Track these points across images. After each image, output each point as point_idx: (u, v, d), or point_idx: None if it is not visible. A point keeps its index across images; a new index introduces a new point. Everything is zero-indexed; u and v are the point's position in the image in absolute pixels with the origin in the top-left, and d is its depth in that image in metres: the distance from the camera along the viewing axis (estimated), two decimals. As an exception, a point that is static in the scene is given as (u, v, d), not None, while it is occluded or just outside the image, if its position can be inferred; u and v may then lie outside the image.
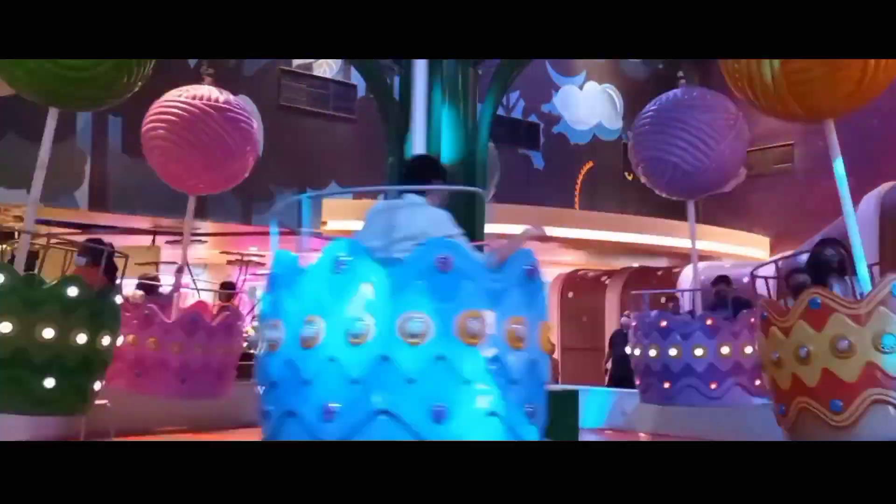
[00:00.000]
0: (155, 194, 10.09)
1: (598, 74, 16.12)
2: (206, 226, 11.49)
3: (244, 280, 11.92)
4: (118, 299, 4.45)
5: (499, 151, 12.96)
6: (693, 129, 5.71)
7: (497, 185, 7.53)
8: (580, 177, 15.53)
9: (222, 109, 5.53)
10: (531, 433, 2.38)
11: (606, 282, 12.16)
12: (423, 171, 2.85)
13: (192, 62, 10.70)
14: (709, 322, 5.78)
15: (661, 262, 13.50)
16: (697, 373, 5.62)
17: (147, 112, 5.67)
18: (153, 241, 11.70)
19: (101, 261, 4.48)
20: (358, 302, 2.29)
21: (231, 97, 5.86)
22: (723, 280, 6.35)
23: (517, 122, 14.82)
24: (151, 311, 5.53)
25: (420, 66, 3.39)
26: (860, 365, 3.66)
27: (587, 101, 15.89)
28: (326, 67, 12.47)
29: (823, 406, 3.79)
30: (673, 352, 5.72)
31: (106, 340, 4.20)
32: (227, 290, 7.42)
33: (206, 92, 5.63)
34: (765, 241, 14.69)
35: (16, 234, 10.03)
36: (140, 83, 4.35)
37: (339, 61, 12.08)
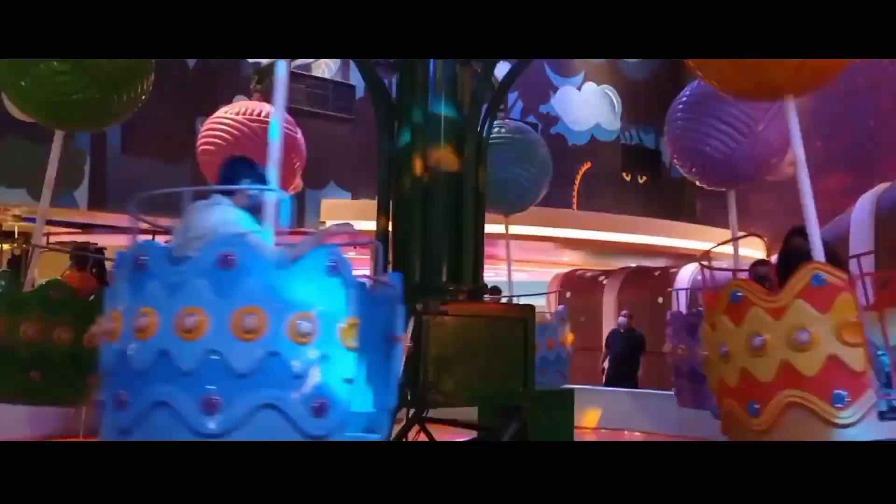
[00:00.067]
0: (155, 196, 10.13)
1: (596, 75, 16.16)
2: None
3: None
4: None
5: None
6: (724, 115, 5.30)
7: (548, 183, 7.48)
8: (578, 177, 15.56)
9: (262, 123, 5.82)
10: (317, 427, 2.41)
11: (604, 282, 12.19)
12: (233, 172, 2.97)
13: (190, 63, 10.73)
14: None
15: (659, 263, 13.55)
16: None
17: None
18: (152, 239, 11.70)
19: (85, 266, 4.84)
20: (146, 298, 2.44)
21: (269, 108, 6.12)
22: (762, 264, 5.84)
23: (516, 122, 14.86)
24: None
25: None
26: (776, 364, 3.20)
27: (585, 102, 15.92)
28: (325, 68, 12.50)
29: (742, 408, 3.43)
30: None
31: None
32: None
33: (251, 107, 5.98)
34: (761, 242, 14.73)
35: (15, 233, 10.07)
36: (138, 102, 4.54)
37: (338, 61, 12.11)
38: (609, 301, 11.70)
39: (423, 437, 4.51)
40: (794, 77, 3.60)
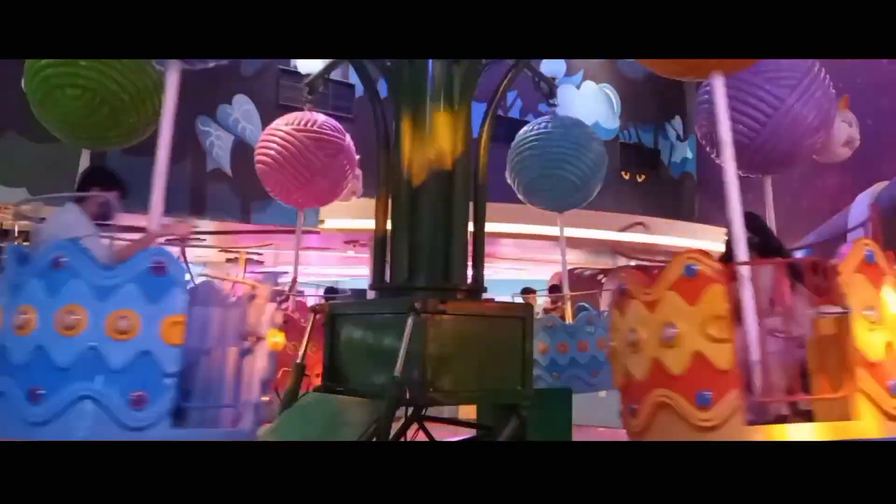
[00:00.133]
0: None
1: (595, 74, 16.17)
2: (205, 224, 11.54)
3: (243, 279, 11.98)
4: None
5: (502, 150, 12.97)
6: (744, 95, 4.74)
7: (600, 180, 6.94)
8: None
9: (308, 132, 6.15)
10: (135, 419, 2.67)
11: (603, 280, 12.22)
12: (84, 181, 3.44)
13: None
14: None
15: (658, 261, 13.57)
16: None
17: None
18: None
19: None
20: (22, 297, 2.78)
21: (321, 118, 6.38)
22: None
23: (515, 122, 14.87)
24: (289, 317, 5.87)
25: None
26: (648, 361, 2.93)
27: (584, 101, 15.93)
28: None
29: (625, 408, 3.28)
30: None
31: None
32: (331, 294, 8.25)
33: (303, 118, 6.30)
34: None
35: (15, 232, 10.07)
36: (152, 117, 4.53)
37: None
38: (608, 300, 11.72)
39: (421, 436, 4.54)
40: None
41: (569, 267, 13.85)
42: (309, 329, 4.74)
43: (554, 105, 6.77)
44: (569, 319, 7.08)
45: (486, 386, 4.11)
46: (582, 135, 6.83)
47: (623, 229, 11.54)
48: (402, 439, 4.33)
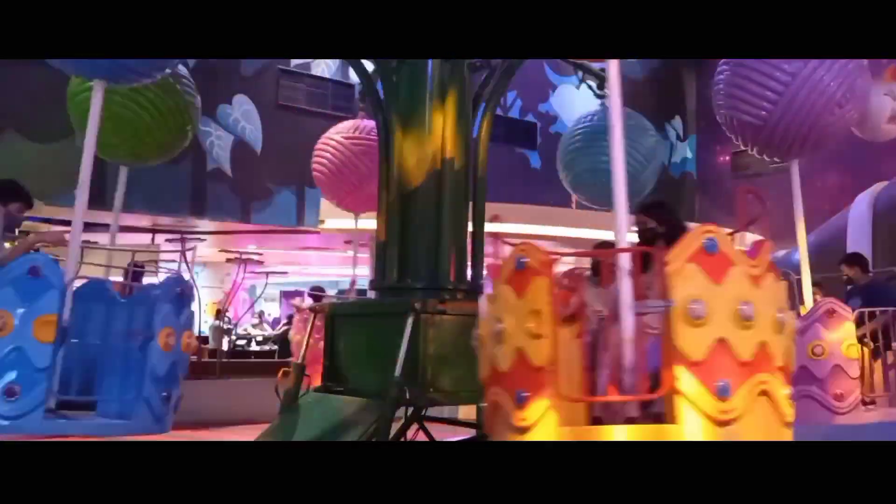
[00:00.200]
0: (153, 193, 10.14)
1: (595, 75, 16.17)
2: (205, 224, 11.55)
3: (243, 278, 11.99)
4: None
5: (501, 149, 12.96)
6: (752, 72, 4.43)
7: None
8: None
9: (355, 139, 6.25)
10: (8, 409, 3.03)
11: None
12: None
13: (189, 63, 10.74)
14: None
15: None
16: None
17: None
18: (153, 238, 11.76)
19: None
20: None
21: (370, 125, 6.32)
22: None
23: (514, 122, 14.89)
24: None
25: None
26: (486, 357, 2.69)
27: (584, 101, 15.92)
28: (325, 67, 12.52)
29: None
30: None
31: None
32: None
33: (351, 125, 6.45)
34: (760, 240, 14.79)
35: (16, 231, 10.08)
36: (179, 134, 4.90)
37: (337, 61, 12.13)
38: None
39: (421, 436, 4.54)
40: None
41: (568, 267, 13.86)
42: (309, 329, 4.75)
43: (603, 96, 6.63)
44: None
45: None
46: (632, 127, 6.20)
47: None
48: (402, 439, 4.34)
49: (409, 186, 4.55)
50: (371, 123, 6.70)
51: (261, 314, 17.04)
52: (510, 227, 11.63)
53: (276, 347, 13.01)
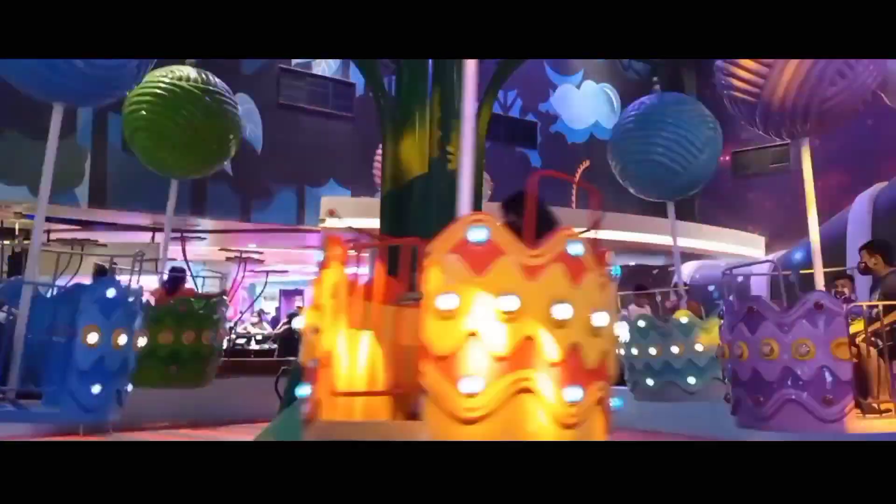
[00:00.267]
0: (154, 191, 10.15)
1: (595, 74, 16.18)
2: (206, 223, 11.55)
3: (243, 276, 11.98)
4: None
5: (501, 149, 12.94)
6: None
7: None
8: (577, 175, 15.60)
9: None
10: None
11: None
12: None
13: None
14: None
15: (658, 261, 13.59)
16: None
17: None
18: (153, 237, 11.76)
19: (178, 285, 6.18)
20: None
21: None
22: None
23: (515, 121, 14.89)
24: None
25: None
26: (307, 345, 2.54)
27: (584, 100, 15.95)
28: (325, 66, 12.52)
29: None
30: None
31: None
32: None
33: None
34: (760, 240, 14.78)
35: (16, 230, 10.10)
36: (219, 147, 5.28)
37: (338, 60, 12.14)
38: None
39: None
40: None
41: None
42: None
43: (656, 85, 6.46)
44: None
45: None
46: (684, 116, 5.72)
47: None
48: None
49: (405, 185, 4.55)
50: None
51: (260, 313, 17.03)
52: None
53: (275, 346, 13.01)
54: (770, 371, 4.18)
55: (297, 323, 2.86)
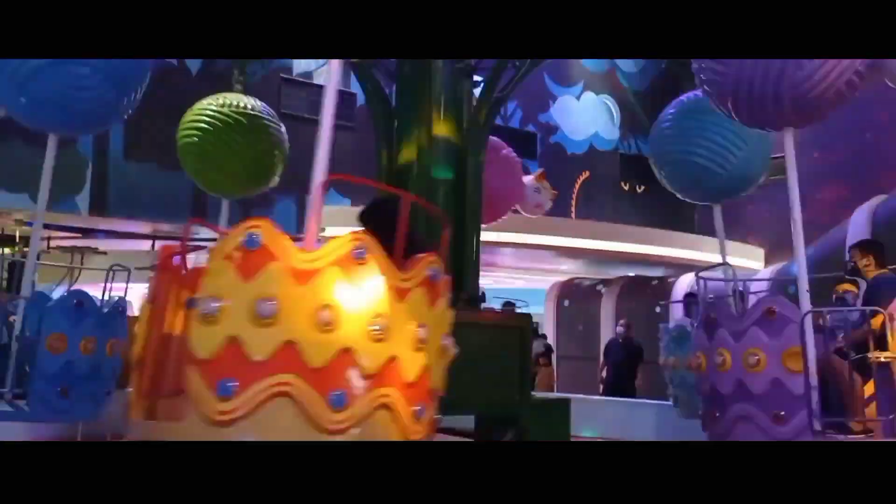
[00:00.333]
0: (154, 199, 10.17)
1: (594, 85, 16.25)
2: (206, 231, 11.56)
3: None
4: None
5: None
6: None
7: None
8: (577, 186, 15.64)
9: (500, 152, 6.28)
10: None
11: (602, 290, 12.25)
12: None
13: (192, 70, 10.81)
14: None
15: (657, 272, 13.60)
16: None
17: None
18: (153, 245, 11.78)
19: None
20: None
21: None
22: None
23: (514, 132, 14.94)
24: None
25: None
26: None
27: (584, 112, 16.01)
28: (327, 76, 12.60)
29: None
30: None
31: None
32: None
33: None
34: (759, 251, 14.80)
35: (17, 237, 10.12)
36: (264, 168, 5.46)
37: (339, 70, 12.18)
38: (607, 310, 11.75)
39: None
40: None
41: (567, 277, 13.89)
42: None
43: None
44: None
45: (485, 396, 4.12)
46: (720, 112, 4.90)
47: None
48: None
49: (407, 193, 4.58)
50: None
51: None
52: (510, 235, 11.65)
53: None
54: (723, 383, 3.84)
55: None
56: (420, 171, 4.59)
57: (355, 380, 2.16)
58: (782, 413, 3.60)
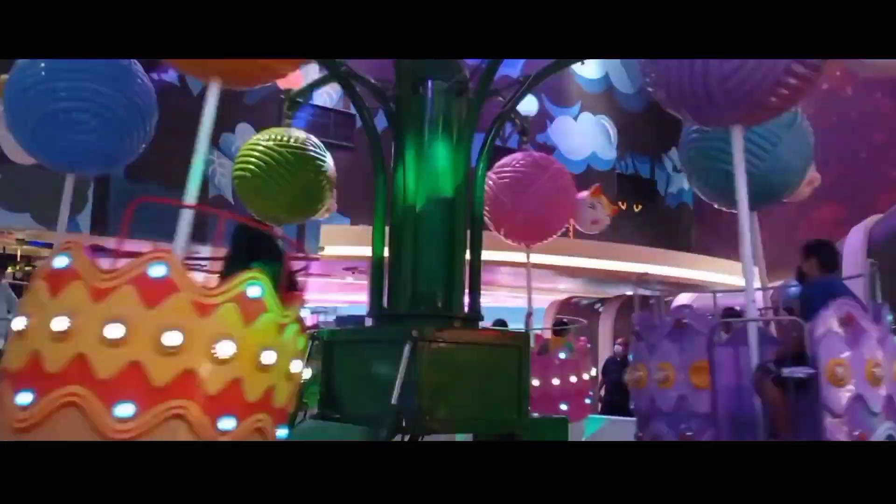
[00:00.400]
0: (155, 219, 10.20)
1: (592, 106, 16.40)
2: (206, 250, 11.60)
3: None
4: None
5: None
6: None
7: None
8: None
9: (498, 172, 6.44)
10: None
11: (600, 309, 12.27)
12: None
13: (194, 91, 10.91)
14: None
15: (655, 291, 13.61)
16: None
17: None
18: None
19: None
20: None
21: (516, 157, 6.65)
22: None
23: (512, 152, 15.05)
24: None
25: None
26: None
27: (582, 132, 16.14)
28: (327, 97, 12.71)
29: None
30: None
31: None
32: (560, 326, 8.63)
33: (500, 163, 6.70)
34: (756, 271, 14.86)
35: (18, 256, 10.15)
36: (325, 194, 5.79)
37: (339, 91, 12.30)
38: (605, 329, 11.77)
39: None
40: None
41: (565, 296, 13.91)
42: (307, 357, 4.78)
43: (524, 143, 6.80)
44: None
45: (483, 414, 4.14)
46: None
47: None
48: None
49: (404, 213, 4.63)
50: (520, 155, 6.69)
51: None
52: (507, 255, 11.70)
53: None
54: (641, 401, 3.70)
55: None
56: (420, 191, 4.65)
57: (144, 391, 2.30)
58: (689, 433, 3.39)
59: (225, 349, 2.36)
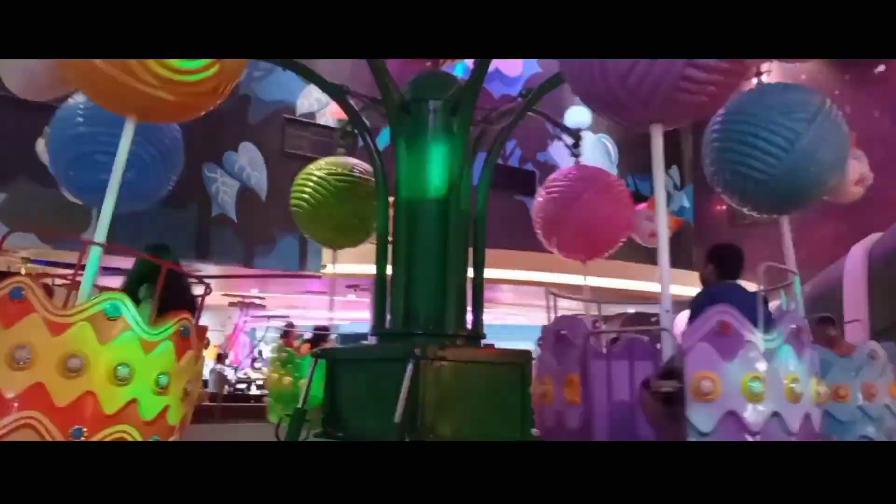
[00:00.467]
0: (158, 236, 10.24)
1: (593, 124, 16.49)
2: (209, 268, 11.65)
3: (244, 321, 12.02)
4: None
5: (500, 197, 13.12)
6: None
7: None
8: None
9: (548, 187, 6.37)
10: None
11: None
12: None
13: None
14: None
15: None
16: None
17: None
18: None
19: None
20: None
21: (559, 173, 6.46)
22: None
23: (513, 170, 15.13)
24: None
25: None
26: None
27: (582, 150, 16.21)
28: (329, 116, 12.82)
29: None
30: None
31: None
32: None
33: (556, 175, 6.55)
34: (753, 287, 14.85)
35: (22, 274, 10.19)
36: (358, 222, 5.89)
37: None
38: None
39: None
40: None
41: (568, 313, 13.88)
42: (310, 374, 4.80)
43: (577, 155, 6.71)
44: None
45: (485, 432, 4.15)
46: (757, 108, 4.21)
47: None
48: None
49: (407, 231, 4.66)
50: (563, 172, 6.56)
51: (256, 356, 16.98)
52: (511, 273, 11.73)
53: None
54: (547, 418, 3.45)
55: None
56: (423, 209, 4.69)
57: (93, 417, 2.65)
58: None
59: (75, 364, 2.68)
